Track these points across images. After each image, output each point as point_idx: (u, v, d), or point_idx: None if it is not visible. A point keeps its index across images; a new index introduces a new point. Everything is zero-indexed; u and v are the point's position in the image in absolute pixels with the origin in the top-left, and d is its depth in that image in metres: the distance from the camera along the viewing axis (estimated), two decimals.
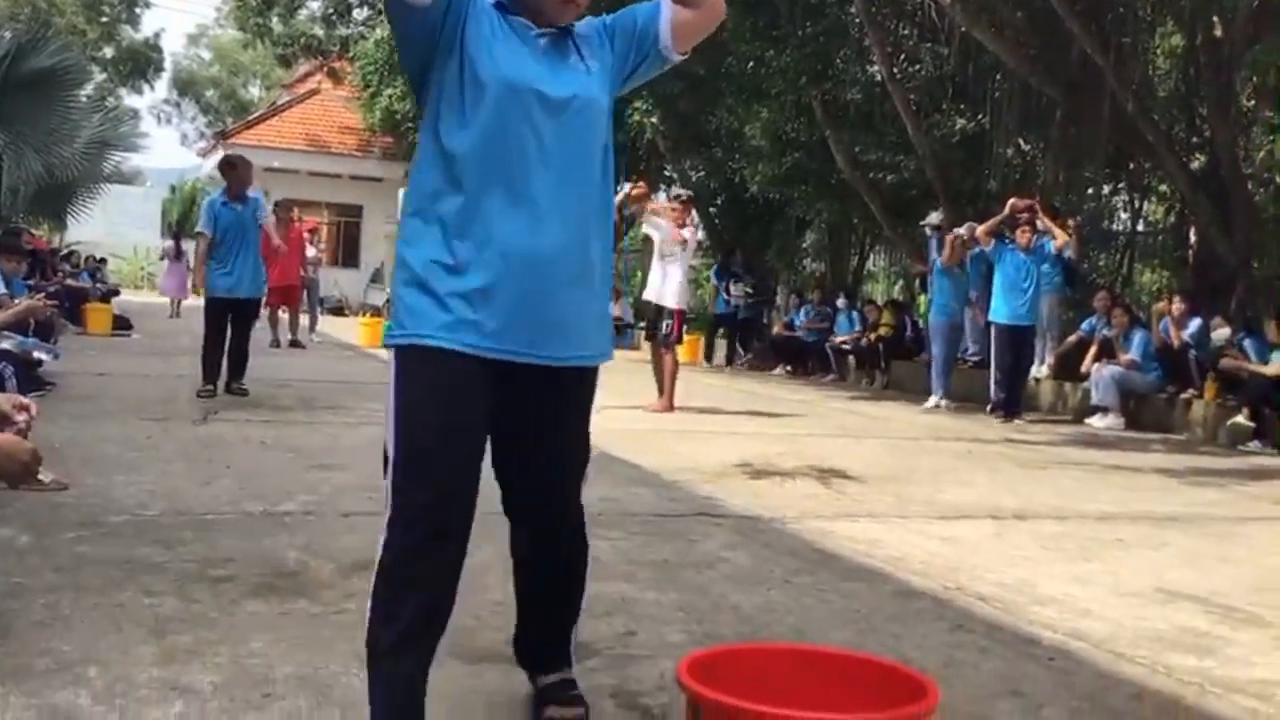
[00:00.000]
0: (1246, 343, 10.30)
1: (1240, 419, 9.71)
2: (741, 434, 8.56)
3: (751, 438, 8.29)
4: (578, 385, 2.44)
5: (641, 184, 10.35)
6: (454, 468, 2.21)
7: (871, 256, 22.16)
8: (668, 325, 9.83)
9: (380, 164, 28.59)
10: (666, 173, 21.09)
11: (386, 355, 2.31)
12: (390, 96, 22.31)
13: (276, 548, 4.13)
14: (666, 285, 9.91)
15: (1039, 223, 11.30)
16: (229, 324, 8.95)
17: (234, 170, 9.21)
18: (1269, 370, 9.64)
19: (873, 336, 14.91)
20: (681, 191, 11.15)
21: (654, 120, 17.45)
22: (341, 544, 4.15)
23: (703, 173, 19.64)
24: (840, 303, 15.82)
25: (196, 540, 4.17)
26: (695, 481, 6.10)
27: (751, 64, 14.47)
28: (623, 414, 9.35)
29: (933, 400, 11.81)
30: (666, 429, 8.58)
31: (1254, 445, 9.51)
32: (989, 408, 11.37)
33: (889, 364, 14.59)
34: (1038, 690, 3.05)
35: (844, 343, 15.39)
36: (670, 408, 9.71)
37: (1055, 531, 5.41)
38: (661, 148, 18.96)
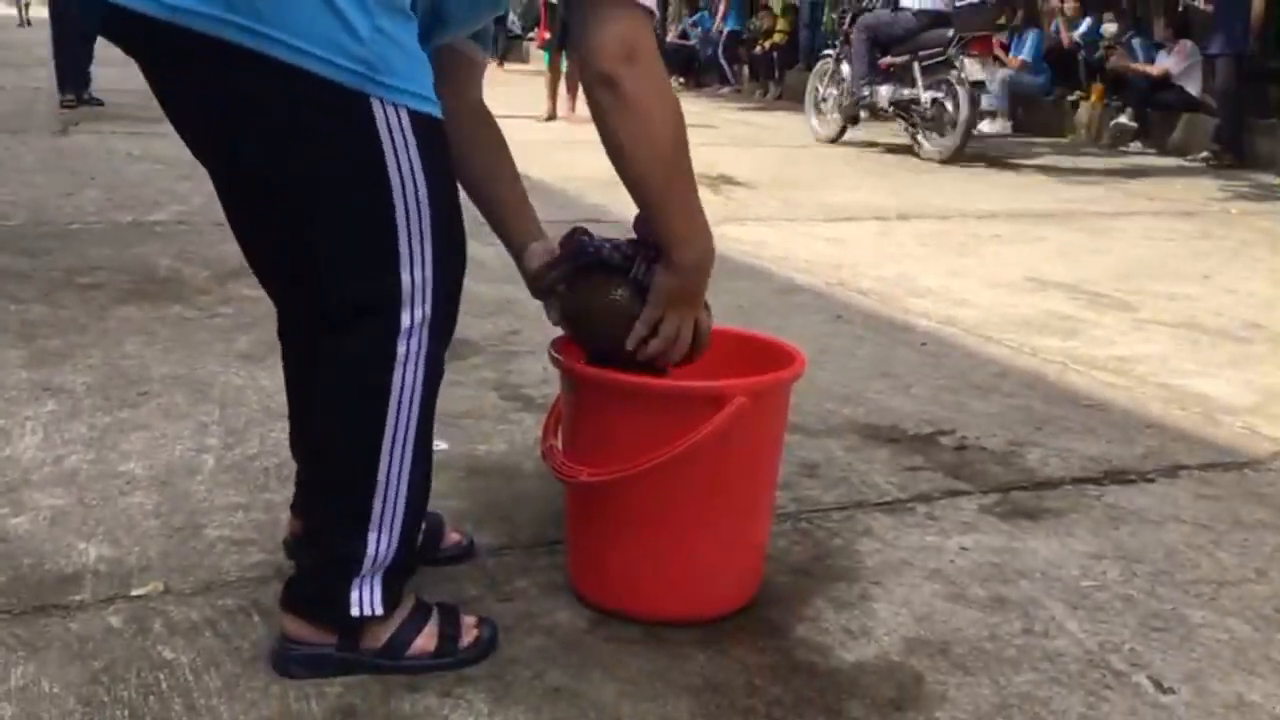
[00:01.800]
0: (1135, 42, 10.30)
1: (1124, 119, 9.85)
2: None
3: None
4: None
5: None
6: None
7: None
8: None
9: None
10: None
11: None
12: None
13: (147, 255, 4.00)
14: None
15: None
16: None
17: None
18: (1154, 70, 9.70)
19: (767, 44, 14.59)
20: None
21: None
22: (216, 252, 4.03)
23: None
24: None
25: (63, 250, 4.01)
26: (585, 189, 6.02)
27: None
28: (507, 124, 9.12)
29: None
30: (556, 139, 8.39)
31: (1135, 145, 9.69)
32: None
33: (783, 73, 14.36)
34: (908, 371, 3.16)
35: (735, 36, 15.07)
36: (552, 113, 9.69)
37: (936, 230, 5.51)
38: None
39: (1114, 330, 3.69)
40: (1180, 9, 10.84)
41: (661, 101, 1.49)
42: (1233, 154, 8.69)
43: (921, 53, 8.27)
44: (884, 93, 8.45)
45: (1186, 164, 8.81)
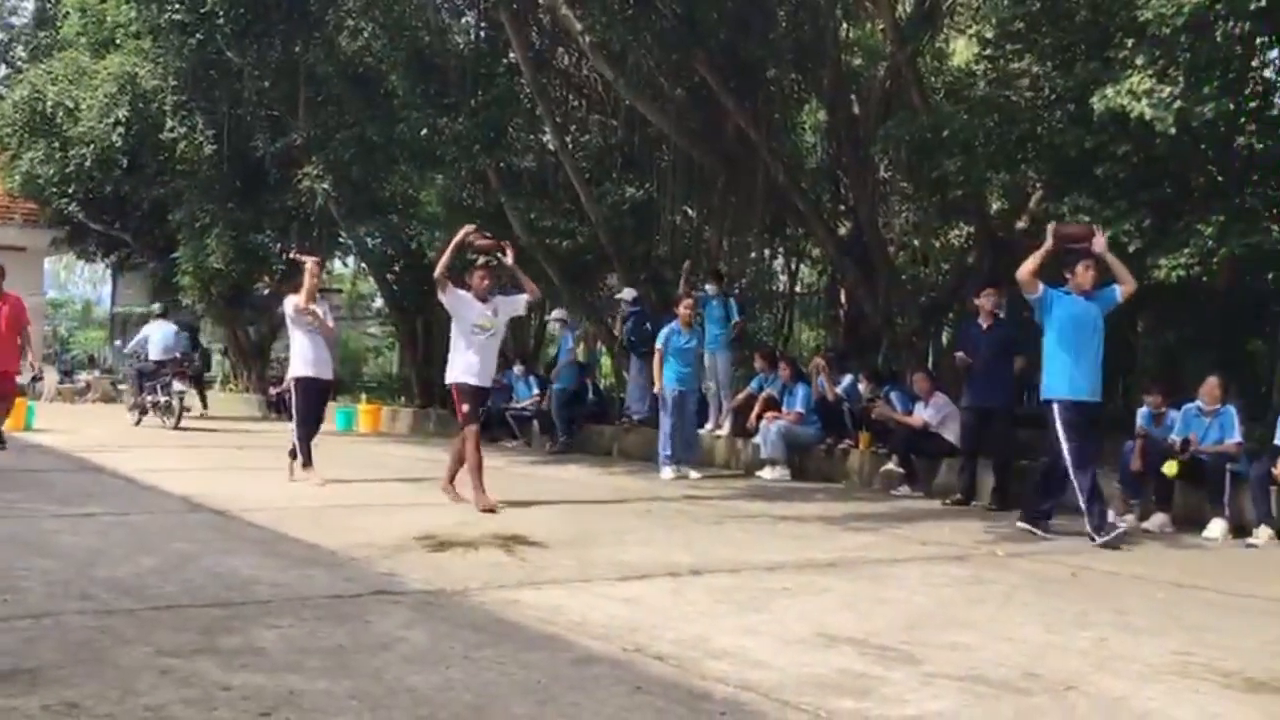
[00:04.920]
0: (893, 395, 11.16)
1: (891, 466, 10.50)
2: (424, 505, 8.40)
3: (434, 509, 8.14)
4: None
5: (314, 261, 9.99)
6: None
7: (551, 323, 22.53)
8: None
9: (22, 231, 26.32)
10: (341, 239, 20.65)
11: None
12: (31, 160, 20.64)
13: None
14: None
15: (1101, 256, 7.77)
16: None
17: None
18: (913, 420, 10.48)
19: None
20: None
21: (325, 186, 17.07)
22: None
23: (379, 239, 19.35)
24: (517, 369, 15.88)
25: None
26: (374, 558, 5.91)
27: (424, 131, 14.43)
28: (297, 489, 8.98)
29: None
30: (344, 504, 8.29)
31: (904, 490, 10.28)
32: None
33: (572, 428, 14.78)
34: None
35: (523, 409, 15.43)
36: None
37: (728, 584, 5.61)
38: (335, 214, 18.57)
39: (904, 687, 3.76)
40: (931, 366, 11.93)
41: None
42: (1000, 498, 9.34)
43: None
44: None
45: (952, 507, 9.40)
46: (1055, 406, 7.59)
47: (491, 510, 7.94)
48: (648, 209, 15.01)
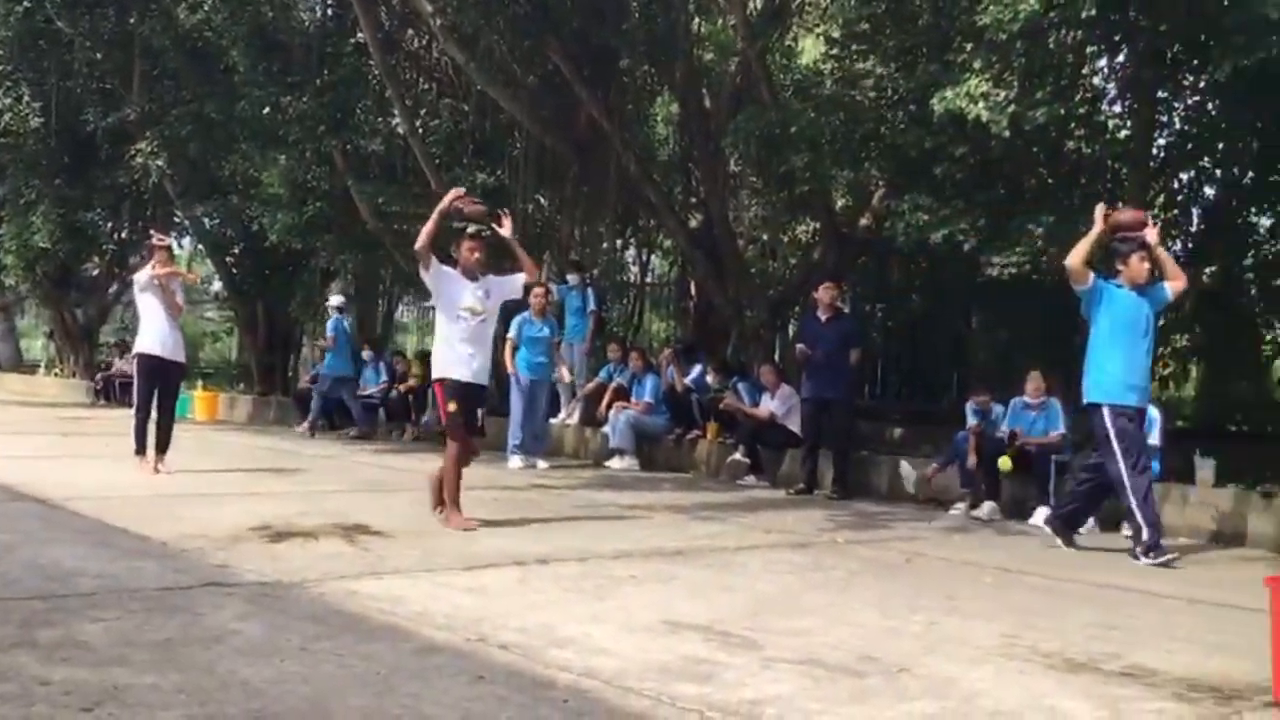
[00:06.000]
0: (740, 386, 11.32)
1: (738, 456, 10.65)
2: (261, 494, 8.16)
3: (272, 497, 7.92)
4: None
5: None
6: None
7: (401, 308, 22.17)
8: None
9: None
10: (177, 219, 19.90)
11: None
12: None
13: None
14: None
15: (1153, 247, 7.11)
16: None
17: None
18: (759, 412, 10.65)
19: (402, 388, 14.84)
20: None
21: (160, 163, 16.41)
22: None
23: (218, 220, 18.70)
24: (365, 354, 15.59)
25: None
26: (207, 549, 5.70)
27: (266, 109, 13.98)
28: (127, 477, 8.63)
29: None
30: (178, 493, 7.99)
31: (750, 480, 10.44)
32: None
33: (419, 416, 14.57)
34: None
35: (370, 395, 15.15)
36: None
37: (575, 573, 5.60)
38: (171, 193, 17.87)
39: (745, 672, 3.81)
40: (778, 359, 12.15)
41: None
42: (841, 487, 9.59)
43: None
44: None
45: (796, 496, 9.60)
46: (1105, 412, 6.81)
47: (470, 529, 6.79)
48: (499, 196, 14.85)
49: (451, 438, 7.12)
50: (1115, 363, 6.87)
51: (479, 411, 7.38)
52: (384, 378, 15.26)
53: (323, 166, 14.60)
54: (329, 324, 15.47)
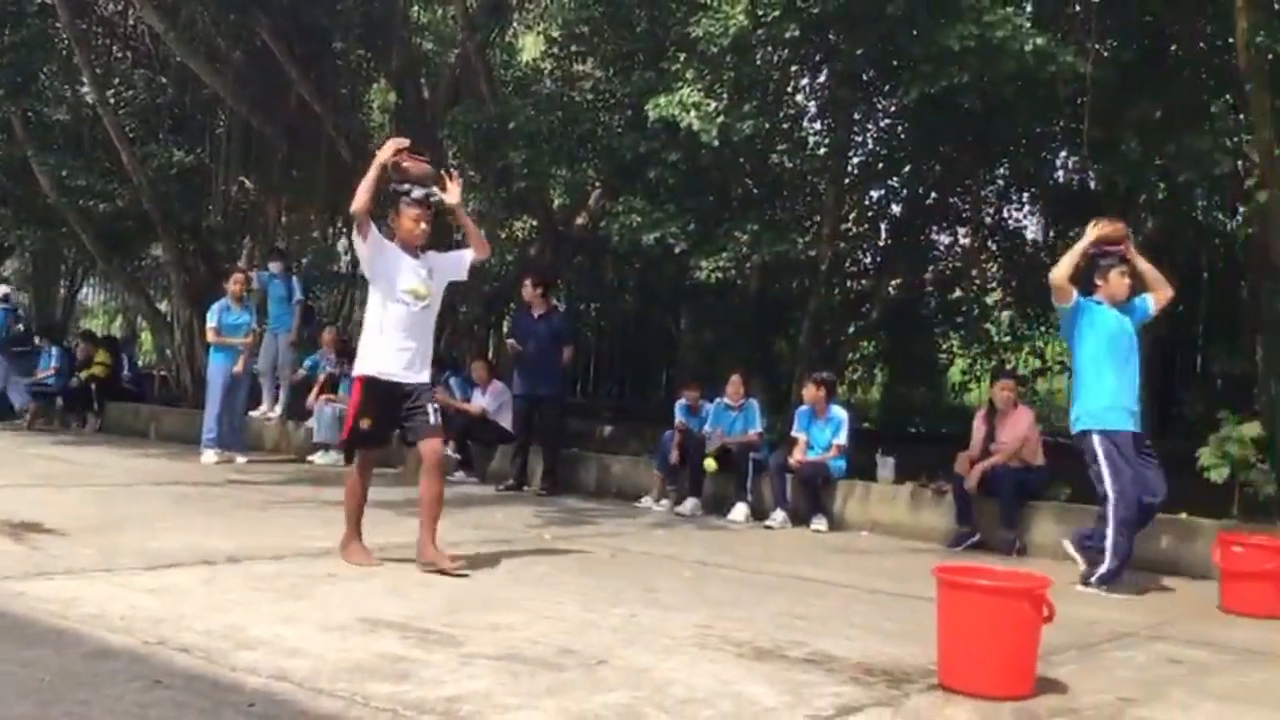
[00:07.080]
0: (452, 382, 11.18)
1: (448, 452, 10.48)
2: None
3: None
4: None
5: None
6: None
7: (86, 290, 20.68)
8: None
9: None
10: None
11: None
12: None
13: None
14: None
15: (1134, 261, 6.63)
16: None
17: None
18: (471, 408, 10.56)
19: (84, 375, 13.80)
20: None
21: None
22: None
23: None
24: (37, 339, 14.38)
25: None
26: None
27: None
28: None
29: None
30: None
31: (460, 475, 10.34)
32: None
33: (103, 406, 13.61)
34: None
35: (39, 381, 13.93)
36: None
37: (269, 572, 5.37)
38: None
39: (443, 669, 3.75)
40: (491, 354, 12.10)
41: None
42: (550, 483, 9.65)
43: None
44: None
45: (505, 492, 9.59)
46: (1095, 439, 6.29)
47: (373, 566, 5.82)
48: (199, 175, 14.10)
49: (348, 459, 6.22)
50: (1106, 387, 6.38)
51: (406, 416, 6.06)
52: (54, 362, 14.03)
53: (0, 133, 13.42)
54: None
